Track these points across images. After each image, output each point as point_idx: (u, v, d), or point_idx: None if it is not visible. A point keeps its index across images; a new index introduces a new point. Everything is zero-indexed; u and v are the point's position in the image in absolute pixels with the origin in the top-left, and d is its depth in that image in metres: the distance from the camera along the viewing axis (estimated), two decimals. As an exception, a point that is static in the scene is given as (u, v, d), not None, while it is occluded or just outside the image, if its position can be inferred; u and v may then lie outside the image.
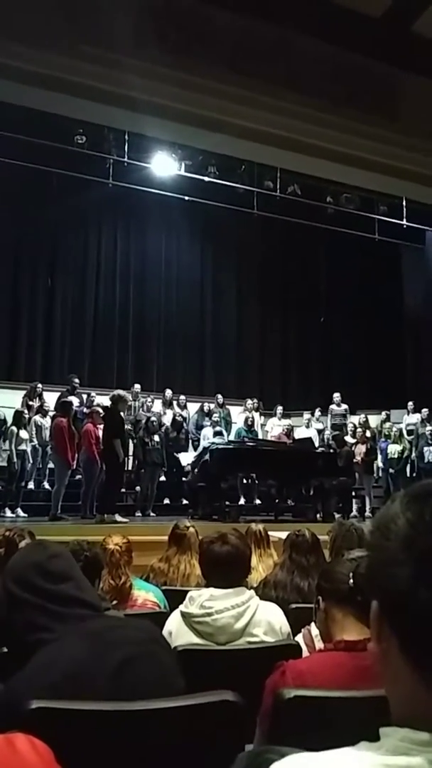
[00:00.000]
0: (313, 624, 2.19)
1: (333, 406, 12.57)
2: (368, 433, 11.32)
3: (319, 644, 2.09)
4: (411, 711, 0.66)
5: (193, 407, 12.28)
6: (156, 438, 10.25)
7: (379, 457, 11.54)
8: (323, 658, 1.77)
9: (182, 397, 12.23)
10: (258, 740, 1.62)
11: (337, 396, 12.64)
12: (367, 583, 0.73)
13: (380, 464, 11.49)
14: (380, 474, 11.71)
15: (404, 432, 11.78)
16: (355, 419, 12.32)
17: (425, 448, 11.33)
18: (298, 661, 1.77)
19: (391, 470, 11.31)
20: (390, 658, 0.68)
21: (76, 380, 11.23)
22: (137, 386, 11.65)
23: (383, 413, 12.52)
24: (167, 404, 11.90)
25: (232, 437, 11.22)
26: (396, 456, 11.33)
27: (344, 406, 12.57)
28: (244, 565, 2.50)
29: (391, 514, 0.70)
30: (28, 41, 5.20)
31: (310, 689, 1.59)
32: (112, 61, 5.40)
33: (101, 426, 9.20)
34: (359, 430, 11.33)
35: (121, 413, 9.30)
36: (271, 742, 1.43)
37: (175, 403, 12.01)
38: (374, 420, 12.40)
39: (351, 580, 1.79)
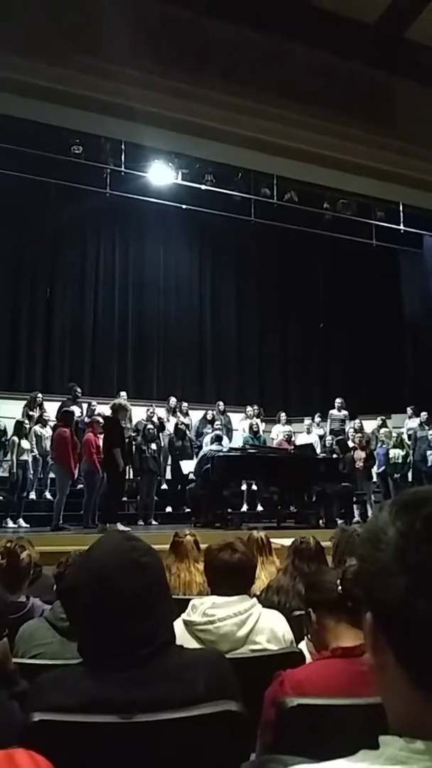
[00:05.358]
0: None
1: (333, 411, 12.54)
2: (364, 439, 11.29)
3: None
4: (408, 721, 0.66)
5: (195, 415, 12.27)
6: (153, 446, 10.23)
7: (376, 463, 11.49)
8: (321, 666, 1.77)
9: (185, 404, 12.21)
10: (259, 751, 1.61)
11: (339, 401, 12.61)
12: (361, 595, 0.72)
13: (376, 470, 11.41)
14: (376, 480, 11.63)
15: (405, 437, 11.75)
16: (351, 424, 12.28)
17: (428, 452, 11.29)
18: (296, 670, 1.77)
19: (396, 475, 11.26)
20: (386, 669, 0.68)
21: (78, 389, 11.22)
22: (123, 394, 11.55)
23: (379, 419, 12.50)
24: (171, 412, 11.89)
25: (237, 444, 11.20)
26: (400, 461, 11.30)
27: (344, 412, 12.54)
28: (251, 574, 2.51)
29: (380, 524, 0.69)
30: (24, 53, 5.24)
31: (311, 697, 1.58)
32: (108, 71, 5.44)
33: (102, 435, 9.19)
34: (357, 435, 11.30)
35: (122, 422, 9.28)
36: (275, 752, 1.42)
37: (177, 411, 11.99)
38: (371, 425, 12.36)
39: (339, 587, 1.79)
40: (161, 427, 10.84)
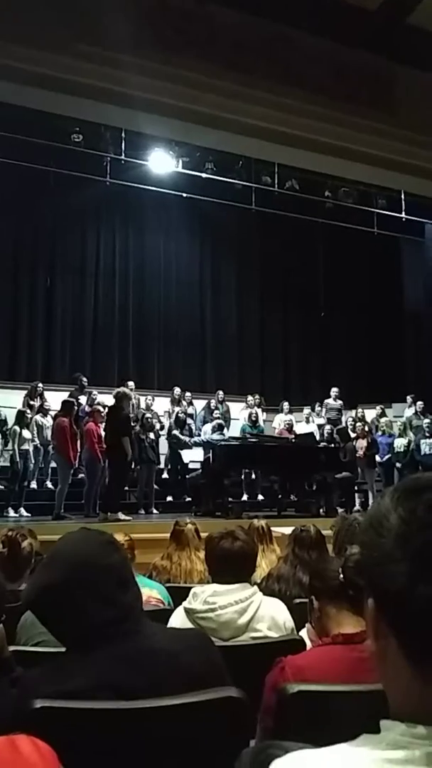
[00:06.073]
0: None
1: (329, 401, 12.54)
2: (366, 428, 11.30)
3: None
4: (409, 706, 0.66)
5: (199, 404, 12.27)
6: (151, 435, 10.22)
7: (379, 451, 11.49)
8: (322, 652, 1.78)
9: (188, 394, 12.20)
10: (259, 737, 1.62)
11: (334, 390, 12.61)
12: (362, 581, 0.72)
13: (380, 458, 11.42)
14: (377, 468, 11.64)
15: (407, 425, 11.77)
16: (352, 413, 12.29)
17: (422, 441, 11.31)
18: (297, 656, 1.78)
19: (398, 464, 11.28)
20: (388, 654, 0.68)
21: (84, 378, 11.20)
22: (131, 384, 11.56)
23: (378, 408, 12.50)
24: (176, 402, 11.88)
25: (236, 434, 11.21)
26: (402, 450, 11.32)
27: (340, 402, 12.55)
28: (253, 562, 2.53)
29: (382, 510, 0.69)
30: (24, 41, 5.19)
31: (313, 684, 1.59)
32: (109, 58, 5.39)
33: (103, 425, 9.19)
34: (359, 424, 11.31)
35: (126, 410, 9.27)
36: (276, 738, 1.43)
37: (182, 400, 11.97)
38: (371, 414, 12.37)
39: (341, 575, 1.81)
40: (161, 425, 10.83)
